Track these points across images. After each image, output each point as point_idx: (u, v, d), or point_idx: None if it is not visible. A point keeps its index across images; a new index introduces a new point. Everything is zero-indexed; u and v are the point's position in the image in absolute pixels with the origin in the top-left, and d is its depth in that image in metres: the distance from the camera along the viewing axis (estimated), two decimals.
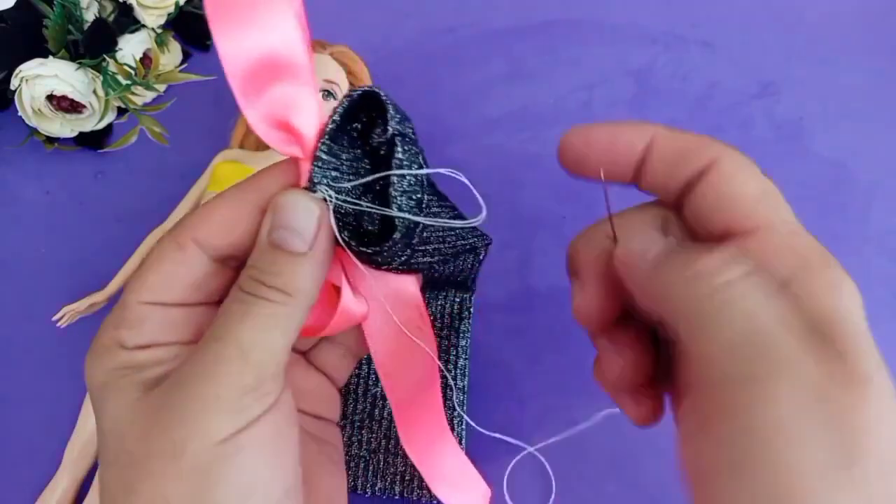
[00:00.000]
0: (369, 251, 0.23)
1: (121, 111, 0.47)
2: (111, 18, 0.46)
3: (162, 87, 0.48)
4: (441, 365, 0.35)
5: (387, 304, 0.26)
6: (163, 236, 0.23)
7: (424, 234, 0.24)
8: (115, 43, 0.45)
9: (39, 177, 0.47)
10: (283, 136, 0.22)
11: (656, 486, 0.37)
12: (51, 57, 0.44)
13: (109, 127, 0.47)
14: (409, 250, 0.24)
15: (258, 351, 0.21)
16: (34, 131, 0.46)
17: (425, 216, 0.23)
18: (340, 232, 0.22)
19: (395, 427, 0.37)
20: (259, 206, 0.22)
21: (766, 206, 0.23)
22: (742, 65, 0.49)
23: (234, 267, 0.23)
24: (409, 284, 0.27)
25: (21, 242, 0.45)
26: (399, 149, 0.23)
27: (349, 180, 0.23)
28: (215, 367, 0.20)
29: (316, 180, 0.22)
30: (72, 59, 0.44)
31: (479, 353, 0.40)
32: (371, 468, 0.36)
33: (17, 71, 0.43)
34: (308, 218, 0.22)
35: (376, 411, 0.37)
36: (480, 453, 0.37)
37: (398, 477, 0.36)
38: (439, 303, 0.39)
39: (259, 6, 0.21)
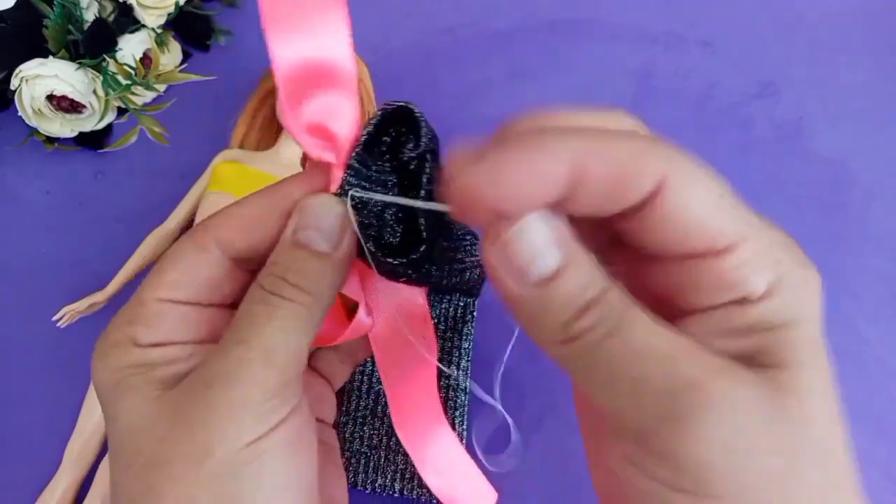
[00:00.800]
0: (395, 262, 0.22)
1: (121, 111, 0.47)
2: (111, 18, 0.46)
3: (162, 87, 0.48)
4: (444, 367, 0.36)
5: (398, 315, 0.26)
6: (183, 236, 0.23)
7: (445, 244, 0.24)
8: (115, 43, 0.45)
9: (39, 177, 0.47)
10: (318, 142, 0.22)
11: None
12: (51, 57, 0.44)
13: (109, 127, 0.47)
14: (427, 264, 0.24)
15: (282, 354, 0.20)
16: (34, 131, 0.46)
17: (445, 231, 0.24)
18: (366, 241, 0.22)
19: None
20: (282, 210, 0.22)
21: (730, 217, 0.19)
22: (742, 65, 0.49)
23: (251, 271, 0.23)
24: (418, 296, 0.27)
25: (21, 242, 0.45)
26: (429, 165, 0.23)
27: (376, 191, 0.23)
28: (240, 369, 0.20)
29: (347, 187, 0.22)
30: (72, 59, 0.44)
31: (479, 353, 0.40)
32: (372, 464, 0.36)
33: (17, 71, 0.43)
34: (334, 220, 0.22)
35: (379, 408, 0.37)
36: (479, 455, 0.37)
37: (398, 474, 0.36)
38: (443, 306, 0.39)
39: (313, 14, 0.21)
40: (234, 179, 0.42)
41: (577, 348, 0.17)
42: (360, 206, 0.22)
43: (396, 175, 0.24)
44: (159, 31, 0.47)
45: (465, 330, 0.39)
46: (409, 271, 0.23)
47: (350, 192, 0.22)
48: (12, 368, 0.41)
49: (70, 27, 0.44)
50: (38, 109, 0.44)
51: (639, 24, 0.51)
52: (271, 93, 0.46)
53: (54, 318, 0.41)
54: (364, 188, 0.22)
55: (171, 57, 0.49)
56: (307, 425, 0.22)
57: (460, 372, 0.38)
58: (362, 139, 0.23)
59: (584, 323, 0.17)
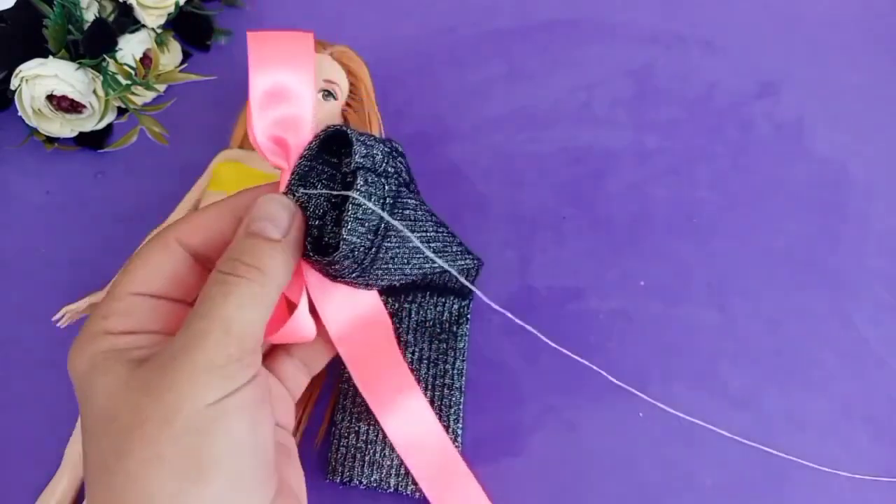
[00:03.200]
0: (323, 261, 0.27)
1: (121, 111, 0.47)
2: (111, 18, 0.46)
3: (162, 87, 0.48)
4: (438, 369, 0.37)
5: (354, 325, 0.31)
6: (149, 238, 0.26)
7: (380, 254, 0.28)
8: (115, 43, 0.45)
9: (39, 177, 0.47)
10: (276, 150, 0.28)
11: (656, 486, 0.37)
12: (51, 57, 0.44)
13: (109, 127, 0.47)
14: (359, 268, 0.27)
15: (238, 325, 0.23)
16: (34, 131, 0.46)
17: (383, 241, 0.27)
18: (305, 238, 0.27)
19: None
20: (235, 212, 0.27)
21: None
22: (742, 65, 0.49)
23: (210, 269, 0.26)
24: (369, 297, 0.31)
25: (21, 242, 0.45)
26: (360, 180, 0.27)
27: (317, 195, 0.28)
28: (202, 340, 0.22)
29: (293, 187, 0.27)
30: (72, 59, 0.44)
31: (478, 353, 0.40)
32: (367, 459, 0.36)
33: (17, 71, 0.43)
34: (283, 211, 0.26)
35: None
36: (479, 455, 0.37)
37: (394, 470, 0.36)
38: (438, 309, 0.39)
39: (288, 52, 0.29)
40: (233, 179, 0.42)
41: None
42: (303, 206, 0.27)
43: (342, 185, 0.28)
44: (159, 31, 0.47)
45: (460, 331, 0.39)
46: (345, 274, 0.27)
47: (295, 191, 0.27)
48: (12, 368, 0.41)
49: (70, 27, 0.44)
50: (38, 109, 0.44)
51: (639, 24, 0.51)
52: None
53: (54, 318, 0.41)
54: (308, 190, 0.27)
55: (171, 57, 0.49)
56: (265, 395, 0.24)
57: (455, 372, 0.38)
58: (306, 152, 0.28)
59: None
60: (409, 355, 0.38)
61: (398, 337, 0.35)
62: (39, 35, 0.44)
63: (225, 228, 0.26)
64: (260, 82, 0.28)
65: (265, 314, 0.24)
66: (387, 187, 0.28)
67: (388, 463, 0.36)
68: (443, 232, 0.33)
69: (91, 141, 0.47)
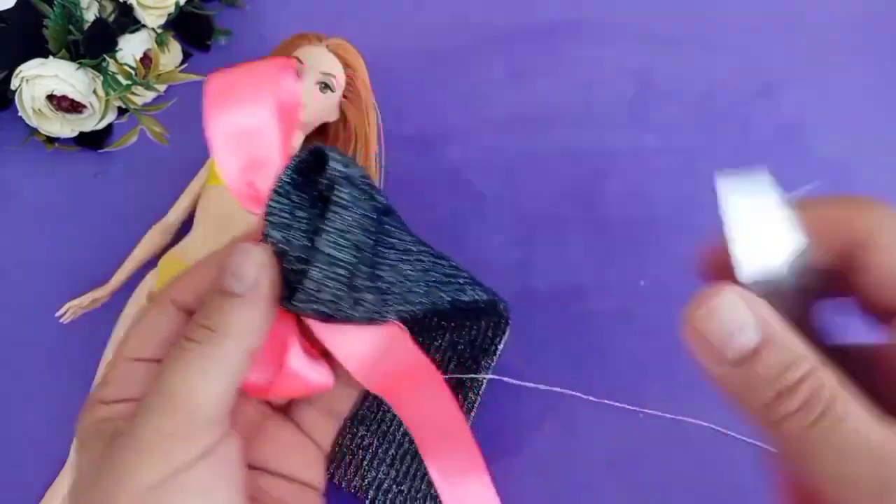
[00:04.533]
0: (302, 299, 0.23)
1: (121, 111, 0.47)
2: (111, 18, 0.46)
3: (162, 87, 0.48)
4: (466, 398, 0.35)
5: (373, 358, 0.26)
6: (147, 306, 0.25)
7: (369, 283, 0.25)
8: (115, 43, 0.45)
9: (39, 177, 0.47)
10: (251, 194, 0.26)
11: (657, 486, 0.37)
12: (51, 57, 0.44)
13: (109, 127, 0.47)
14: (348, 293, 0.24)
15: (184, 396, 0.21)
16: (34, 131, 0.46)
17: (372, 263, 0.25)
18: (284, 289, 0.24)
19: (390, 434, 0.36)
20: (221, 266, 0.24)
21: None
22: (742, 65, 0.49)
23: None
24: (394, 332, 0.27)
25: (21, 242, 0.45)
26: (342, 189, 0.24)
27: (302, 233, 0.24)
28: (146, 416, 0.21)
29: (267, 231, 0.24)
30: (72, 59, 0.44)
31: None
32: (354, 463, 0.36)
33: (17, 71, 0.43)
34: (246, 260, 0.23)
35: (380, 413, 0.37)
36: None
37: (376, 483, 0.35)
38: (473, 332, 0.37)
39: (247, 97, 0.27)
40: None
41: (784, 432, 0.17)
42: (282, 252, 0.24)
43: (316, 213, 0.25)
44: (159, 31, 0.47)
45: (493, 348, 0.37)
46: (344, 312, 0.24)
47: (267, 235, 0.24)
48: (13, 368, 0.41)
49: (70, 27, 0.44)
50: (39, 109, 0.44)
51: (639, 24, 0.50)
52: None
53: (57, 314, 0.41)
54: (287, 228, 0.24)
55: (171, 57, 0.49)
56: (229, 472, 0.22)
57: (476, 383, 0.37)
58: (277, 186, 0.24)
59: (789, 405, 0.16)
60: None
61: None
62: (40, 35, 0.44)
63: (209, 281, 0.24)
64: (218, 127, 0.27)
65: (225, 380, 0.22)
66: (369, 203, 0.25)
67: (373, 475, 0.36)
68: (444, 264, 0.29)
69: (91, 141, 0.47)
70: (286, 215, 0.24)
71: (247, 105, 0.26)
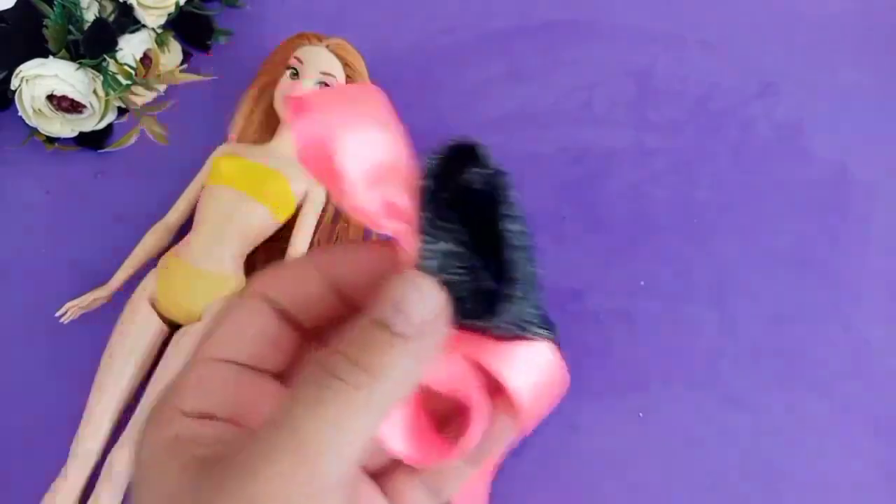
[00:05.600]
0: (498, 324, 0.20)
1: (121, 111, 0.47)
2: (111, 18, 0.46)
3: (162, 87, 0.48)
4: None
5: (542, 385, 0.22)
6: (232, 298, 0.21)
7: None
8: (116, 43, 0.45)
9: (39, 177, 0.47)
10: (386, 214, 0.21)
11: (656, 486, 0.37)
12: (51, 57, 0.44)
13: (109, 127, 0.47)
14: (530, 290, 0.21)
15: (321, 449, 0.17)
16: (34, 131, 0.46)
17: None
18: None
19: None
20: (321, 269, 0.21)
21: None
22: (742, 65, 0.49)
23: (300, 338, 0.22)
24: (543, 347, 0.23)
25: (21, 242, 0.45)
26: (509, 178, 0.20)
27: (450, 248, 0.20)
28: (266, 464, 0.17)
29: (424, 255, 0.19)
30: (72, 59, 0.44)
31: None
32: None
33: (17, 71, 0.43)
34: (420, 299, 0.19)
35: None
36: None
37: None
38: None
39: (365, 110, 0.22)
40: (232, 172, 0.42)
41: None
42: (442, 274, 0.20)
43: (462, 222, 0.21)
44: (159, 31, 0.47)
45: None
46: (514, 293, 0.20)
47: (425, 257, 0.20)
48: (14, 368, 0.41)
49: (70, 27, 0.44)
50: (39, 109, 0.44)
51: (639, 24, 0.50)
52: (267, 87, 0.46)
53: (58, 313, 0.41)
54: (442, 250, 0.20)
55: (171, 57, 0.49)
56: None
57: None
58: (423, 199, 0.20)
59: None
60: None
61: None
62: (40, 35, 0.44)
63: (310, 288, 0.21)
64: (354, 166, 0.21)
65: (365, 435, 0.18)
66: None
67: None
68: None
69: (91, 141, 0.47)
70: (433, 232, 0.20)
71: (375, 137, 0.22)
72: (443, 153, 0.21)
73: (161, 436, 0.19)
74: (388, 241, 0.21)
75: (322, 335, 0.22)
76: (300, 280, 0.21)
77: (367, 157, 0.21)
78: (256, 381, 0.21)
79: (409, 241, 0.20)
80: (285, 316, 0.21)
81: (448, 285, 0.20)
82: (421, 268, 0.20)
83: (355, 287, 0.21)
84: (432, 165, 0.21)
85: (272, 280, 0.21)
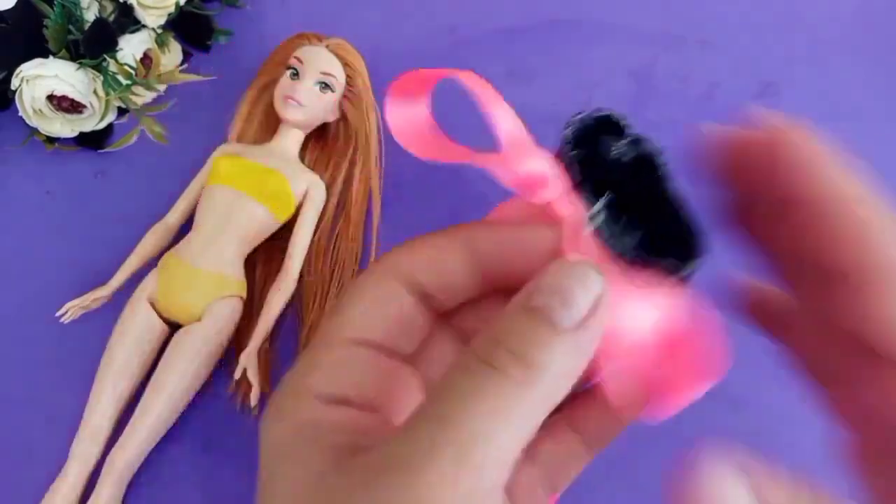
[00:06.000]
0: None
1: (121, 111, 0.47)
2: (111, 18, 0.46)
3: (162, 87, 0.48)
4: None
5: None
6: (362, 273, 0.20)
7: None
8: (116, 43, 0.45)
9: (39, 177, 0.47)
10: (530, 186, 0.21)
11: (656, 486, 0.37)
12: (51, 57, 0.44)
13: (109, 127, 0.47)
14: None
15: (484, 444, 0.16)
16: (34, 131, 0.46)
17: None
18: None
19: None
20: (468, 245, 0.20)
21: None
22: (742, 65, 0.49)
23: (439, 320, 0.21)
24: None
25: (21, 242, 0.45)
26: (662, 157, 0.22)
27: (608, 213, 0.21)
28: (425, 462, 0.15)
29: (594, 218, 0.19)
30: (72, 59, 0.44)
31: None
32: None
33: (17, 71, 0.43)
34: (583, 289, 0.17)
35: None
36: None
37: None
38: None
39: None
40: (232, 172, 0.42)
41: None
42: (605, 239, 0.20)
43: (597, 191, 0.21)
44: (159, 31, 0.47)
45: None
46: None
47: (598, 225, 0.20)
48: (13, 368, 0.41)
49: (70, 27, 0.44)
50: (39, 109, 0.44)
51: (639, 24, 0.51)
52: (267, 87, 0.46)
53: (58, 313, 0.41)
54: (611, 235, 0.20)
55: (171, 57, 0.49)
56: None
57: None
58: (577, 156, 0.21)
59: None
60: None
61: None
62: (40, 35, 0.44)
63: (455, 266, 0.20)
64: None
65: (525, 433, 0.16)
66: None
67: None
68: None
69: (91, 141, 0.47)
70: (594, 198, 0.21)
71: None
72: (584, 122, 0.22)
73: (296, 419, 0.18)
74: (540, 217, 0.20)
75: (453, 318, 0.21)
76: (442, 256, 0.20)
77: (511, 127, 0.22)
78: (391, 366, 0.20)
79: (567, 208, 0.20)
80: (422, 295, 0.20)
81: (618, 246, 0.20)
82: (592, 229, 0.20)
83: (505, 267, 0.20)
84: (578, 135, 0.22)
85: (409, 255, 0.20)
